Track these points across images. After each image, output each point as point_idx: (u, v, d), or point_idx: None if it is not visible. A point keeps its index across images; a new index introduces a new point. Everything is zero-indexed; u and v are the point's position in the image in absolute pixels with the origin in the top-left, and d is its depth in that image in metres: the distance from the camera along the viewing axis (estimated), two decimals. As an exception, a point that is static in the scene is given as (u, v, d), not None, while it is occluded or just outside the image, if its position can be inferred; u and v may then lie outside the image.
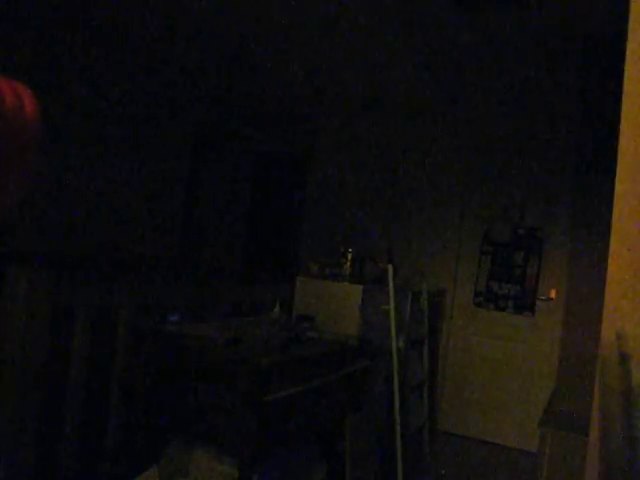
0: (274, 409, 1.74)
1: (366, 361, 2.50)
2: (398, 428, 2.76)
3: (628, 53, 0.96)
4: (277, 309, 2.30)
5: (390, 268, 2.82)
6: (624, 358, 0.79)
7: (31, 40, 3.26)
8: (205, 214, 4.99)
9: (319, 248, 4.64)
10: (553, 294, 3.92)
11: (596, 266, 2.33)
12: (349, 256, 2.97)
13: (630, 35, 0.97)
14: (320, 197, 4.85)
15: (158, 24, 3.34)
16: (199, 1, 2.96)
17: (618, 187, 0.95)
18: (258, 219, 5.29)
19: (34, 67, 3.30)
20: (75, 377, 1.80)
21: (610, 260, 0.94)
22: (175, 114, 4.47)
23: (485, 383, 4.09)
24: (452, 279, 4.27)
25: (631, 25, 0.97)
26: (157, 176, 4.34)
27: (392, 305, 2.81)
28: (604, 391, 0.84)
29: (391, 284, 2.81)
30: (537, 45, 3.07)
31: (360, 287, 2.75)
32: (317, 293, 2.84)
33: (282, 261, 4.98)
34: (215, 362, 1.80)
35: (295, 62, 3.69)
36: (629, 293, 0.91)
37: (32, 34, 3.26)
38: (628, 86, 0.96)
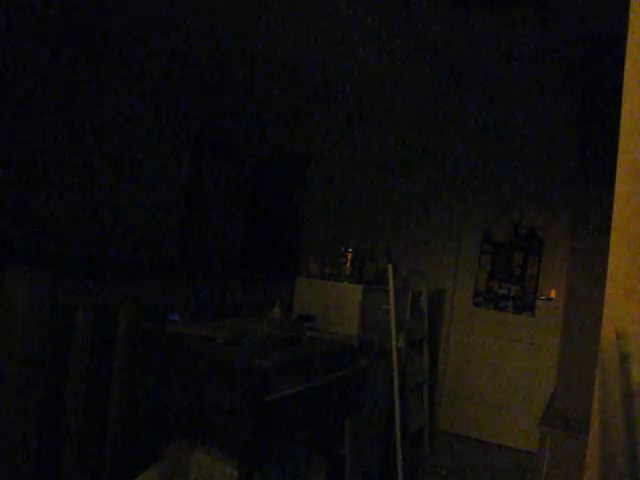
0: (274, 409, 1.74)
1: (366, 361, 2.50)
2: (398, 428, 2.76)
3: (628, 53, 0.96)
4: (277, 309, 2.30)
5: (390, 268, 2.82)
6: (624, 358, 0.79)
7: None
8: (205, 214, 4.98)
9: (319, 248, 4.64)
10: (553, 294, 3.91)
11: (596, 266, 2.33)
12: (349, 256, 2.97)
13: (630, 35, 0.97)
14: (320, 197, 4.85)
15: (155, 26, 3.34)
16: (198, 5, 2.96)
17: (618, 187, 0.94)
18: (258, 219, 5.29)
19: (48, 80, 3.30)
20: (75, 377, 1.80)
21: (610, 260, 0.94)
22: (176, 115, 4.47)
23: (485, 383, 4.09)
24: (452, 279, 4.26)
25: (631, 25, 0.97)
26: (158, 176, 4.34)
27: (392, 305, 2.81)
28: (604, 391, 0.84)
29: (391, 284, 2.81)
30: (536, 45, 3.07)
31: (360, 287, 2.75)
32: (317, 293, 2.84)
33: (282, 261, 4.98)
34: (215, 362, 1.80)
35: (295, 63, 3.69)
36: (629, 293, 0.91)
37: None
38: (628, 86, 0.96)
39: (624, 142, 0.94)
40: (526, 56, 3.23)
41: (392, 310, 2.80)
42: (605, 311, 0.93)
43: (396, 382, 2.77)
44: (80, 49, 3.59)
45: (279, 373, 1.80)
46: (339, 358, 2.29)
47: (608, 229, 0.95)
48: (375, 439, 2.78)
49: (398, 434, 2.76)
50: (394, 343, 2.78)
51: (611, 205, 0.95)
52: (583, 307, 2.44)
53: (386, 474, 2.81)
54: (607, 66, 2.27)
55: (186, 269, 4.53)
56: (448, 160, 4.36)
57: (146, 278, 2.23)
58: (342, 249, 3.02)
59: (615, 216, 0.94)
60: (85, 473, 1.86)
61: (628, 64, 0.96)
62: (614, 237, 0.94)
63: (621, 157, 0.94)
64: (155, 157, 4.30)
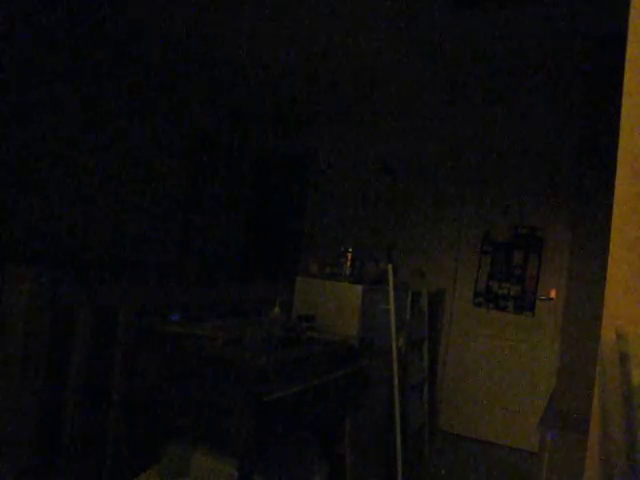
0: (274, 409, 1.74)
1: (366, 361, 2.50)
2: (398, 428, 2.76)
3: (628, 53, 0.96)
4: (277, 309, 2.30)
5: (390, 268, 2.82)
6: (624, 358, 0.79)
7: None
8: (206, 214, 4.98)
9: (319, 248, 4.65)
10: (553, 294, 3.92)
11: (596, 266, 2.33)
12: (349, 256, 2.97)
13: (630, 35, 0.97)
14: (320, 197, 4.86)
15: (155, 30, 3.34)
16: (199, 6, 2.96)
17: (618, 187, 0.94)
18: (259, 219, 5.29)
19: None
20: (75, 377, 1.80)
21: (610, 260, 0.94)
22: (175, 115, 4.47)
23: (485, 383, 4.09)
24: (452, 279, 4.27)
25: (631, 24, 0.97)
26: (157, 176, 4.34)
27: (392, 305, 2.80)
28: (604, 391, 0.84)
29: (391, 284, 2.81)
30: (537, 44, 3.07)
31: (360, 287, 2.75)
32: (317, 293, 2.84)
33: (282, 261, 4.98)
34: (215, 362, 1.80)
35: (295, 63, 3.69)
36: (629, 293, 0.91)
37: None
38: (628, 86, 0.96)
39: (624, 142, 0.94)
40: (526, 55, 3.23)
41: (392, 310, 2.80)
42: (605, 311, 0.93)
43: (396, 382, 2.77)
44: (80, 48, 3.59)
45: (279, 373, 1.80)
46: (339, 358, 2.29)
47: (608, 229, 0.95)
48: (375, 439, 2.78)
49: (398, 434, 2.76)
50: (394, 343, 2.78)
51: (611, 205, 0.95)
52: (583, 307, 2.43)
53: (386, 474, 2.81)
54: (607, 66, 2.27)
55: (186, 269, 4.53)
56: (448, 160, 4.36)
57: (146, 278, 2.23)
58: (342, 249, 3.02)
59: (615, 216, 0.94)
60: (85, 473, 1.86)
61: (628, 64, 0.96)
62: (614, 238, 0.94)
63: (621, 157, 0.94)
64: (155, 158, 4.31)
